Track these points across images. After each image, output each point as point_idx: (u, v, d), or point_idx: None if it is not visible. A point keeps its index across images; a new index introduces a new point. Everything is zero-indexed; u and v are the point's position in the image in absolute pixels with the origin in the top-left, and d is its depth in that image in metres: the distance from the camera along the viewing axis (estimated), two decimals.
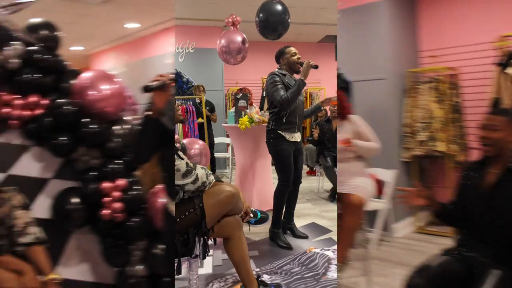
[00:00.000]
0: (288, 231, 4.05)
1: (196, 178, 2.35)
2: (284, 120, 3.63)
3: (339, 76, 4.03)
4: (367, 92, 4.18)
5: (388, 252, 3.73)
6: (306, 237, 3.98)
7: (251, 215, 2.71)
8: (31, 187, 2.43)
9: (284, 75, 3.70)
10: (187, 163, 2.35)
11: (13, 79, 2.44)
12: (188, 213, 2.34)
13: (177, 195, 2.35)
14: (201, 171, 2.41)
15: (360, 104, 4.13)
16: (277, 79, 3.62)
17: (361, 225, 2.99)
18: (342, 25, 4.41)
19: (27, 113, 2.45)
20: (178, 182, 2.29)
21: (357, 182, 2.97)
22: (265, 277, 3.08)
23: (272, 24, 4.36)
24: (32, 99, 2.44)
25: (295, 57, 3.73)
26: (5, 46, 2.40)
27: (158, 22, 7.40)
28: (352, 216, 2.82)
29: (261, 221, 2.84)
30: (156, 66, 7.74)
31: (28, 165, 2.53)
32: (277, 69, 3.78)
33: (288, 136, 3.68)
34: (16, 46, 2.42)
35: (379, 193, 3.62)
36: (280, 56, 3.83)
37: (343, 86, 4.05)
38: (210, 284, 2.98)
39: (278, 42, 4.59)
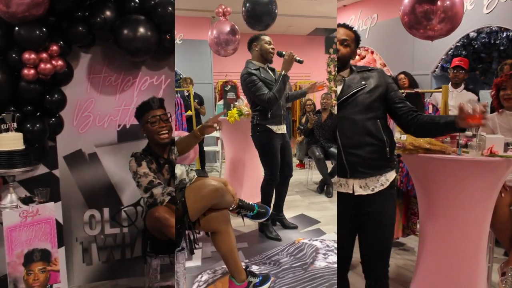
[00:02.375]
0: (278, 223, 4.03)
1: (151, 196, 2.35)
2: (269, 115, 3.57)
3: None
4: None
5: None
6: (295, 227, 3.97)
7: (238, 203, 2.68)
8: None
9: (257, 69, 3.54)
10: (154, 177, 2.43)
11: None
12: None
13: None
14: (180, 169, 2.47)
15: None
16: (254, 78, 3.46)
17: None
18: None
19: None
20: (143, 195, 2.40)
21: None
22: (254, 268, 3.08)
23: (258, 14, 4.30)
24: None
25: (269, 46, 3.59)
26: None
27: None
28: None
29: (259, 215, 2.79)
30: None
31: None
32: (246, 67, 3.59)
33: (275, 128, 3.64)
34: None
35: None
36: (253, 41, 3.67)
37: None
38: (199, 276, 2.98)
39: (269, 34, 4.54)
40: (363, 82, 2.15)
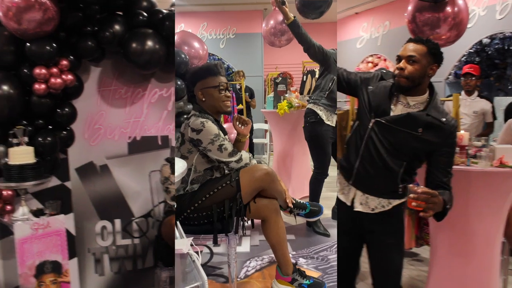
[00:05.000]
0: (308, 226, 3.94)
1: (240, 158, 2.54)
2: (325, 94, 3.58)
3: None
4: None
5: None
6: (327, 235, 3.79)
7: (295, 204, 2.70)
8: None
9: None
10: (232, 145, 2.58)
11: None
12: (225, 184, 2.49)
13: (220, 170, 2.58)
14: (245, 154, 2.61)
15: None
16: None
17: None
18: None
19: None
20: (224, 159, 2.50)
21: None
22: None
23: (314, 1, 4.18)
24: None
25: None
26: None
27: (349, 7, 7.34)
28: None
29: (312, 214, 2.79)
30: (347, 49, 7.65)
31: None
32: None
33: (325, 116, 3.61)
34: None
35: None
36: None
37: None
38: (248, 262, 3.21)
39: (318, 24, 4.46)
40: (419, 130, 1.92)
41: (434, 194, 1.74)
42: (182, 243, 2.11)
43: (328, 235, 3.71)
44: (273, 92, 5.10)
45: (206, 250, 3.38)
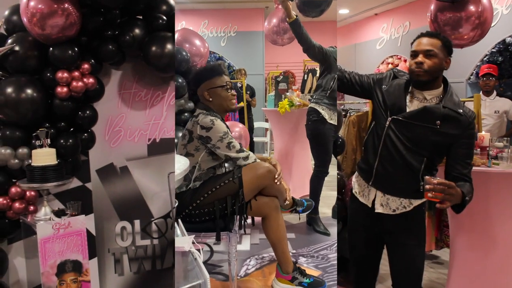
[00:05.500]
0: (308, 224, 3.96)
1: (247, 157, 2.62)
2: (327, 94, 3.60)
3: None
4: None
5: None
6: (327, 234, 3.83)
7: (295, 202, 2.75)
8: None
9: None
10: (240, 144, 2.66)
11: None
12: (228, 181, 2.55)
13: (222, 168, 2.65)
14: (252, 154, 2.69)
15: None
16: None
17: None
18: None
19: None
20: (233, 155, 2.56)
21: None
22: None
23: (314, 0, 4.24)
24: None
25: None
26: None
27: (367, 9, 7.37)
28: None
29: (307, 209, 2.85)
30: (366, 51, 7.71)
31: None
32: None
33: (327, 116, 3.62)
34: None
35: None
36: None
37: None
38: (248, 260, 3.24)
39: (319, 22, 4.49)
40: (437, 122, 1.92)
41: (451, 185, 1.75)
42: (184, 241, 2.13)
43: (328, 234, 3.73)
44: (274, 91, 5.10)
45: (206, 248, 3.40)
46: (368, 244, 2.17)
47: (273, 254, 2.79)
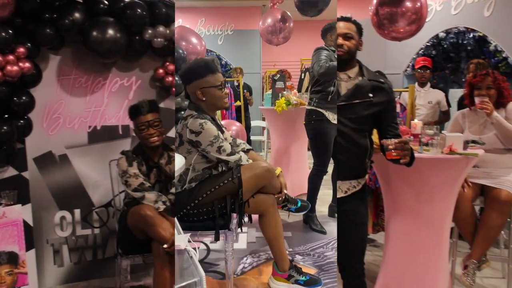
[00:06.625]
0: (304, 223, 3.97)
1: (240, 159, 2.53)
2: (329, 98, 3.58)
3: (504, 61, 3.91)
4: None
5: None
6: (323, 233, 3.83)
7: (285, 197, 2.71)
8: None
9: (334, 51, 3.58)
10: (231, 146, 2.58)
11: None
12: (227, 181, 2.48)
13: (218, 168, 2.54)
14: (244, 156, 2.61)
15: None
16: (325, 52, 3.53)
17: (505, 224, 2.77)
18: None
19: None
20: (223, 157, 2.49)
21: (509, 177, 2.77)
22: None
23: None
24: None
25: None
26: (173, 21, 2.89)
27: None
28: (497, 213, 2.67)
29: (301, 209, 2.83)
30: None
31: None
32: (325, 45, 3.67)
33: (331, 117, 3.64)
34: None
35: None
36: (328, 31, 3.69)
37: (508, 72, 3.94)
38: (244, 258, 3.23)
39: (317, 21, 4.51)
40: (370, 95, 2.08)
41: (406, 142, 1.98)
42: (180, 239, 2.12)
43: (324, 232, 3.76)
44: (271, 89, 5.09)
45: (202, 246, 3.39)
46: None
47: (269, 252, 2.78)
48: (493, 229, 2.70)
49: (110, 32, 2.65)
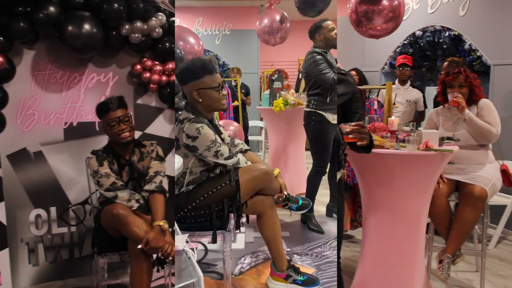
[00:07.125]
0: (302, 223, 3.97)
1: (238, 162, 2.52)
2: (327, 100, 3.56)
3: (478, 59, 3.94)
4: (508, 77, 4.02)
5: (509, 253, 3.62)
6: (321, 232, 3.82)
7: (285, 196, 2.70)
8: (162, 146, 2.68)
9: (325, 52, 3.58)
10: (229, 149, 2.55)
11: (157, 47, 2.95)
12: (225, 184, 2.46)
13: (216, 170, 2.52)
14: (242, 158, 2.59)
15: (497, 89, 4.03)
16: (319, 57, 3.51)
17: (479, 219, 2.83)
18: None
19: (164, 78, 3.01)
20: (221, 162, 2.46)
21: (481, 173, 2.84)
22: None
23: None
24: (171, 65, 2.99)
25: (333, 33, 3.60)
26: (151, 17, 2.84)
27: None
28: (471, 208, 2.73)
29: (303, 207, 2.81)
30: None
31: (162, 126, 3.16)
32: (313, 49, 3.64)
33: (330, 117, 3.64)
34: (160, 17, 2.86)
35: (509, 186, 3.09)
36: (316, 31, 3.68)
37: (482, 70, 3.98)
38: (242, 258, 3.23)
39: (314, 21, 4.48)
40: (337, 87, 2.21)
41: (363, 125, 2.07)
42: (178, 239, 2.12)
43: (322, 232, 3.77)
44: (268, 89, 5.07)
45: (200, 247, 3.37)
46: None
47: (267, 252, 2.76)
48: (467, 224, 2.76)
49: (86, 27, 2.61)
